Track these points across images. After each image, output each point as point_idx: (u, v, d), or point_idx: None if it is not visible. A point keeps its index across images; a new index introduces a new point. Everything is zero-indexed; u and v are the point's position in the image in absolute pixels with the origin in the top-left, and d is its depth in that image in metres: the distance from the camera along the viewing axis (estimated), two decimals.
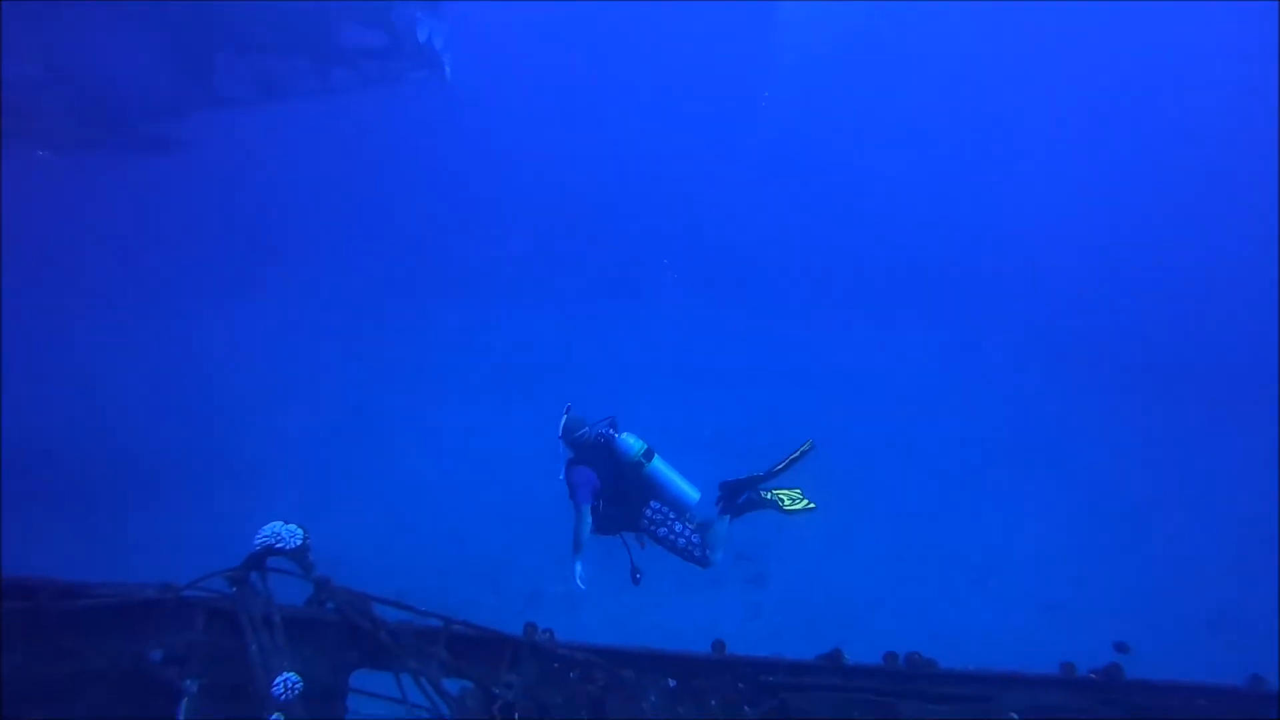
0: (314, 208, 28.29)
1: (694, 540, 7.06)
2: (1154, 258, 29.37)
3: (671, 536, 7.08)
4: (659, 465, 7.02)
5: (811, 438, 7.21)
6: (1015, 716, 3.69)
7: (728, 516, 7.21)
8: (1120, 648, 5.47)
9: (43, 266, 21.71)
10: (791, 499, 7.13)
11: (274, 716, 3.43)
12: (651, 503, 7.09)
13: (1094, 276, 28.98)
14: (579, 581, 6.66)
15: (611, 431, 7.02)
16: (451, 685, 3.86)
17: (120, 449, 15.51)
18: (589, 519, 6.76)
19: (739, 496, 7.22)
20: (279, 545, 3.78)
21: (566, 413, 7.07)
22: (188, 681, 3.58)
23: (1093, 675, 3.85)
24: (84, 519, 13.37)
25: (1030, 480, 17.54)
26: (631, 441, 6.96)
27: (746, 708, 3.89)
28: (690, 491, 7.08)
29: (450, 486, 15.79)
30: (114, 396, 17.38)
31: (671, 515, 7.10)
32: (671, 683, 3.94)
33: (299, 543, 3.82)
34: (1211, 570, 14.56)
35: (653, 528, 7.11)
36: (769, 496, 7.23)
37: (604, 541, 7.08)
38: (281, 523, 3.84)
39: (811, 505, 7.04)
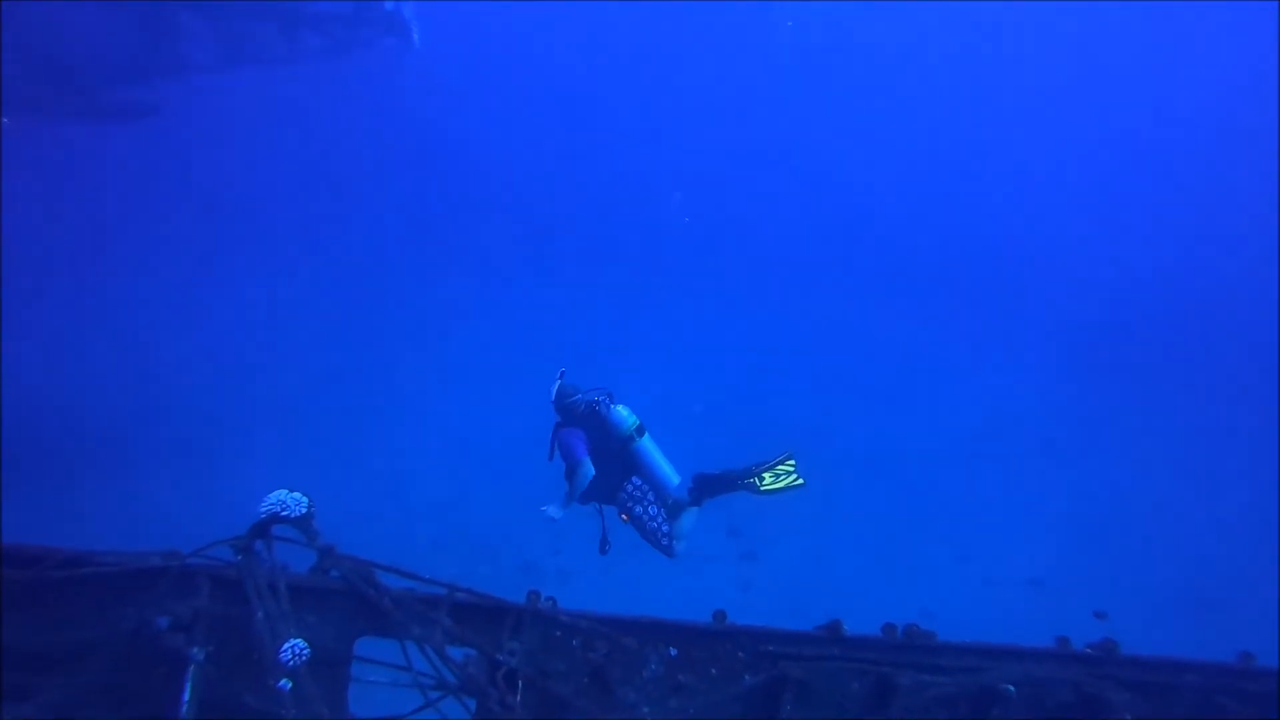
0: (288, 178, 27.78)
1: (664, 529, 7.11)
2: (1149, 252, 29.63)
3: (645, 518, 7.11)
4: (647, 443, 7.05)
5: (791, 448, 7.23)
6: (1011, 688, 3.78)
7: (696, 508, 7.23)
8: (1099, 615, 5.63)
9: (13, 240, 21.12)
10: (774, 477, 7.15)
11: (282, 683, 3.43)
12: (633, 478, 7.13)
13: (1087, 270, 29.20)
14: (555, 512, 6.78)
15: (607, 401, 7.03)
16: (455, 652, 3.88)
17: (103, 423, 15.28)
18: (591, 470, 6.75)
19: (711, 491, 7.23)
20: (284, 513, 3.76)
21: (560, 377, 7.07)
22: (194, 649, 3.57)
23: (1088, 649, 3.95)
24: (76, 493, 13.17)
25: (1019, 462, 17.81)
26: (625, 414, 6.98)
27: (746, 676, 3.96)
28: (672, 475, 7.12)
29: (442, 460, 15.75)
30: (92, 372, 17.06)
31: (649, 495, 7.14)
32: (672, 651, 3.99)
33: (304, 511, 3.80)
34: (1200, 552, 14.90)
35: (629, 504, 7.14)
36: (746, 480, 7.25)
37: (581, 511, 7.11)
38: (286, 491, 3.82)
39: (800, 481, 7.06)
